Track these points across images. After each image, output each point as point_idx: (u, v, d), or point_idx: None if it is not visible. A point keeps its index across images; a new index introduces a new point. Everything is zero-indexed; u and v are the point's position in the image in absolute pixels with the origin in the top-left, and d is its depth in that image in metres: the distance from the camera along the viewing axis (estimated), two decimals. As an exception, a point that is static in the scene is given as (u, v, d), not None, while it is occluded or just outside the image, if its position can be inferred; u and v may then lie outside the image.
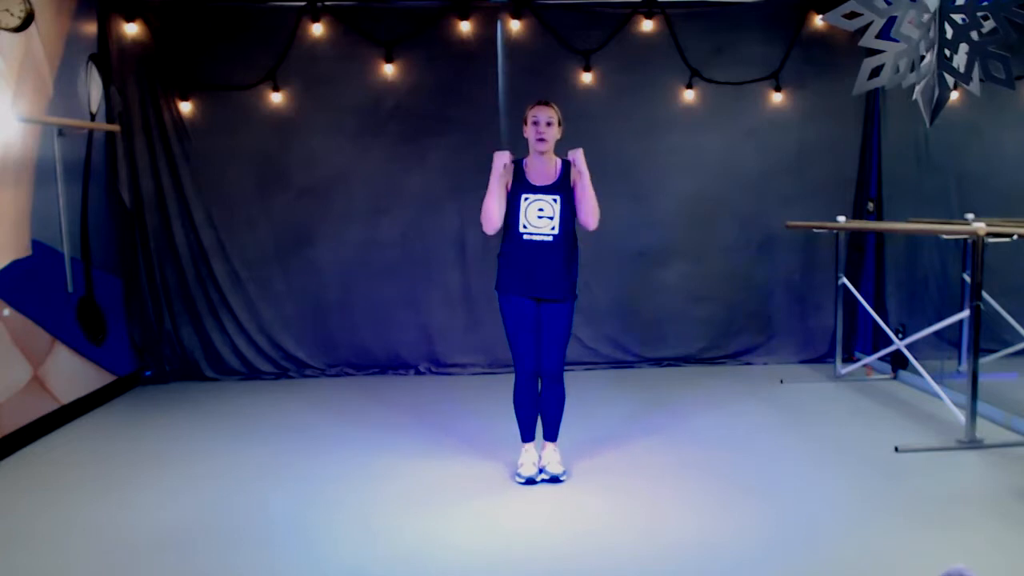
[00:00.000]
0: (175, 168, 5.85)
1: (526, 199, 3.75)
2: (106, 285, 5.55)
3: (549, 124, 3.72)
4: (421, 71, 5.93)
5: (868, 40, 4.30)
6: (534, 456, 3.95)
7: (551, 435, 3.97)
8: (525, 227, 3.75)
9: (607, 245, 5.89)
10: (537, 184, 3.77)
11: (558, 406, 3.92)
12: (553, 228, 3.74)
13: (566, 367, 3.90)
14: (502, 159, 3.76)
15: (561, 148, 3.85)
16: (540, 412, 3.96)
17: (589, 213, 3.78)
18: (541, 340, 3.83)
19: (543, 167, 3.79)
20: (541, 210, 3.74)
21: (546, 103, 3.76)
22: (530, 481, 3.86)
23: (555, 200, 3.75)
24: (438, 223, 6.04)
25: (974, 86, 4.12)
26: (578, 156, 3.76)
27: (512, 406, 3.97)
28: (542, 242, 3.75)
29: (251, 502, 3.71)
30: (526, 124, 3.76)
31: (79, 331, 5.17)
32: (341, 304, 6.07)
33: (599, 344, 6.23)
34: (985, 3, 4.01)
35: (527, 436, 3.97)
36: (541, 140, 3.72)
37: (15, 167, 4.53)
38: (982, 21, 4.05)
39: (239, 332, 6.02)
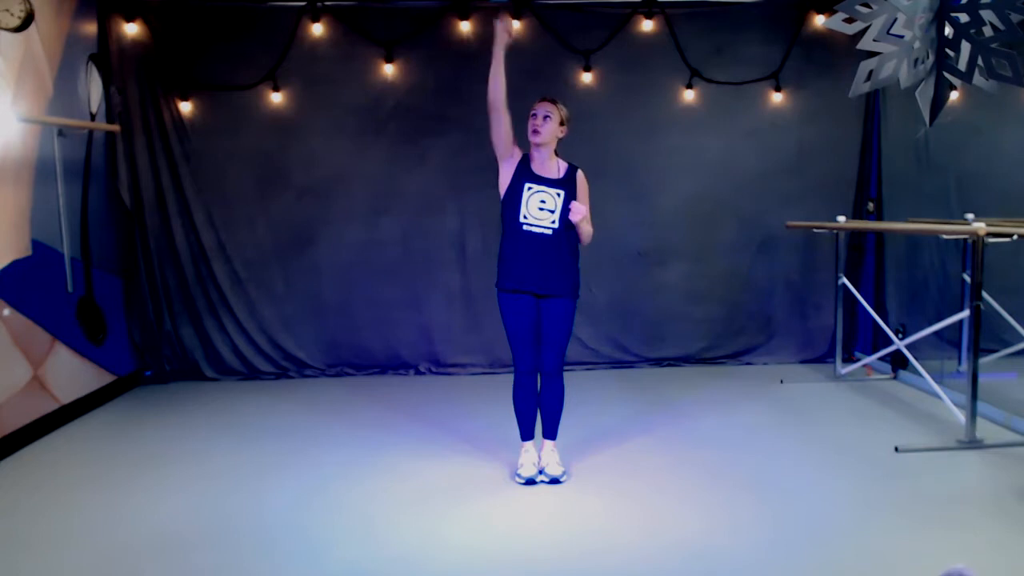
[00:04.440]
0: (175, 168, 5.85)
1: (529, 188, 3.72)
2: (106, 285, 5.55)
3: (547, 118, 3.70)
4: (421, 71, 5.93)
5: (867, 43, 4.29)
6: (534, 456, 3.95)
7: (550, 433, 3.97)
8: (525, 218, 3.72)
9: (607, 245, 5.88)
10: (541, 175, 3.75)
11: (557, 402, 3.91)
12: (553, 222, 3.72)
13: (566, 367, 3.90)
14: (505, 23, 3.67)
15: (565, 151, 3.84)
16: (540, 408, 3.96)
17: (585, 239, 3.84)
18: (541, 338, 3.83)
19: (546, 164, 3.77)
20: (543, 202, 3.71)
21: (551, 100, 3.76)
22: (530, 482, 3.85)
23: (558, 194, 3.72)
24: (438, 223, 6.04)
25: (990, 84, 4.10)
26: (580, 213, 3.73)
27: (512, 405, 3.96)
28: (541, 235, 3.72)
29: (251, 502, 3.71)
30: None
31: (79, 331, 5.17)
32: (341, 304, 6.07)
33: (599, 344, 6.23)
34: (987, 1, 3.99)
35: (526, 434, 3.96)
36: (534, 132, 3.70)
37: (15, 167, 4.53)
38: (984, 19, 4.04)
39: (239, 332, 6.02)
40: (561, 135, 3.78)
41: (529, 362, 3.85)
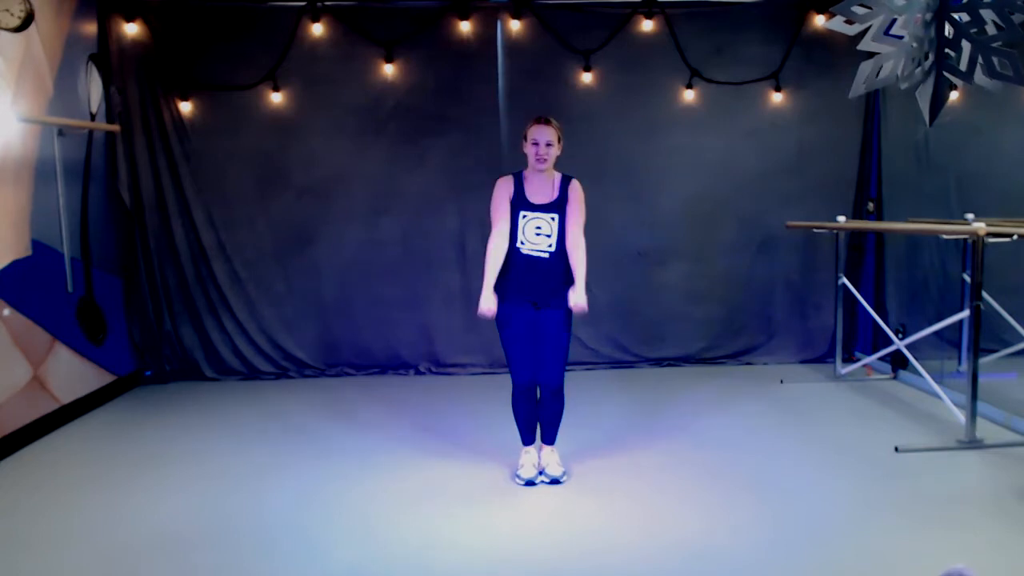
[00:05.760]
0: (175, 168, 5.85)
1: (524, 216, 3.74)
2: (106, 285, 5.55)
3: (549, 145, 3.70)
4: (421, 71, 5.93)
5: (866, 44, 4.29)
6: (534, 458, 3.95)
7: (549, 439, 3.98)
8: (523, 243, 3.75)
9: (607, 245, 5.89)
10: (535, 202, 3.75)
11: (557, 416, 3.93)
12: (550, 245, 3.75)
13: (566, 367, 3.89)
14: (487, 307, 3.73)
15: (565, 152, 3.84)
16: (539, 419, 3.96)
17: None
18: (539, 351, 3.81)
19: (542, 184, 3.77)
20: (539, 228, 3.74)
21: (547, 121, 3.73)
22: (530, 483, 3.85)
23: (553, 219, 3.74)
24: (438, 223, 6.04)
25: (992, 83, 4.09)
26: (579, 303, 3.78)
27: (511, 412, 3.97)
28: (539, 258, 3.75)
29: (251, 502, 3.71)
30: (525, 141, 3.73)
31: (79, 331, 5.17)
32: (341, 304, 6.07)
33: (599, 344, 6.23)
34: (988, 0, 3.99)
35: (527, 440, 3.98)
36: (541, 160, 3.70)
37: (15, 167, 4.53)
38: (985, 19, 4.03)
39: (239, 332, 6.02)
40: (559, 153, 3.79)
41: (526, 376, 3.84)
